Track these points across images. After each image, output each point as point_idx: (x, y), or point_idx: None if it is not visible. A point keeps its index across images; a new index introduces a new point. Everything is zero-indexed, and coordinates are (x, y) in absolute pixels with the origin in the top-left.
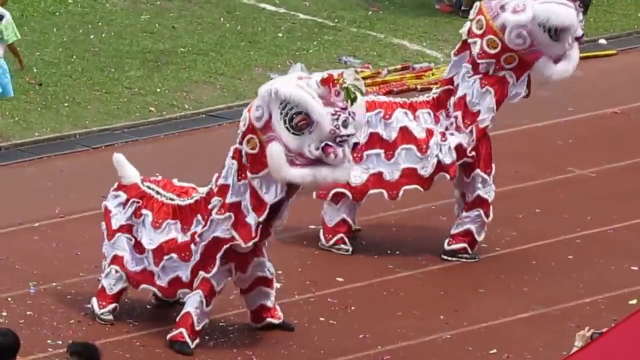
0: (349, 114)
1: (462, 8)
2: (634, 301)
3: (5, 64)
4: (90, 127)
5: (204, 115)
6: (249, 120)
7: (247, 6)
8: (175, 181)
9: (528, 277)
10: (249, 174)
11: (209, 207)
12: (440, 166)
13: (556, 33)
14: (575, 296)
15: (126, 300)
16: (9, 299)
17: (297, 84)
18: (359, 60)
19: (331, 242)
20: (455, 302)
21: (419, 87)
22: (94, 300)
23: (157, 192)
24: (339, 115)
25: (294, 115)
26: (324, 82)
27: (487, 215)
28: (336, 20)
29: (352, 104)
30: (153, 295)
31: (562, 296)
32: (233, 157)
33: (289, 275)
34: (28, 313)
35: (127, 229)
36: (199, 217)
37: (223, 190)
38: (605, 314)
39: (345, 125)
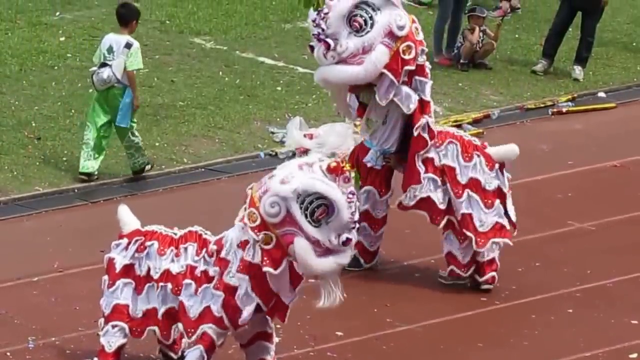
0: (357, 199)
1: (461, 61)
2: (634, 355)
3: (130, 91)
4: (89, 182)
5: (202, 169)
6: (260, 216)
7: (246, 60)
8: (176, 229)
9: (528, 330)
10: (267, 269)
11: (206, 270)
12: None
13: None
14: (575, 350)
15: (125, 355)
16: (8, 353)
17: (312, 177)
18: None
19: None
20: (454, 356)
21: None
22: None
23: (160, 229)
24: (352, 203)
25: (315, 209)
26: (333, 170)
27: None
28: None
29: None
30: (160, 352)
31: (562, 350)
32: (238, 246)
33: (288, 329)
34: None
35: (130, 270)
36: (190, 247)
37: (223, 264)
38: None
39: (357, 210)
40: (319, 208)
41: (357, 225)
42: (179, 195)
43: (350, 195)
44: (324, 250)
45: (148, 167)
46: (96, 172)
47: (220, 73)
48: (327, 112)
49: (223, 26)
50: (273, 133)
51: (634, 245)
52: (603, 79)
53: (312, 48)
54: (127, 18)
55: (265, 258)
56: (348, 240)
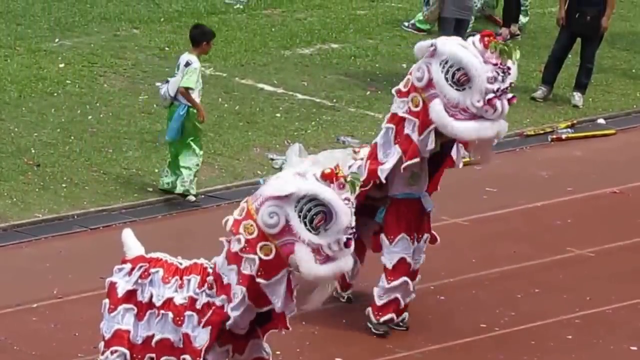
0: (353, 205)
1: None
2: None
3: (182, 110)
4: (88, 208)
5: (202, 196)
6: (257, 228)
7: (245, 86)
8: (180, 258)
9: (527, 357)
10: (260, 280)
11: (212, 302)
12: None
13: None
14: None
15: None
16: None
17: (310, 182)
18: (357, 140)
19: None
20: None
21: None
22: None
23: (164, 257)
24: (349, 208)
25: (314, 216)
26: (327, 177)
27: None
28: (334, 100)
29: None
30: None
31: None
32: (229, 262)
33: (287, 356)
34: None
35: (132, 295)
36: (193, 280)
37: (227, 291)
38: None
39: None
40: (318, 215)
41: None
42: (179, 221)
43: (347, 201)
44: (325, 258)
45: (187, 193)
46: (177, 188)
47: (220, 99)
48: (327, 138)
49: (222, 53)
50: (272, 159)
51: (633, 271)
52: (602, 105)
53: (494, 105)
54: (197, 39)
55: (261, 269)
56: (349, 241)
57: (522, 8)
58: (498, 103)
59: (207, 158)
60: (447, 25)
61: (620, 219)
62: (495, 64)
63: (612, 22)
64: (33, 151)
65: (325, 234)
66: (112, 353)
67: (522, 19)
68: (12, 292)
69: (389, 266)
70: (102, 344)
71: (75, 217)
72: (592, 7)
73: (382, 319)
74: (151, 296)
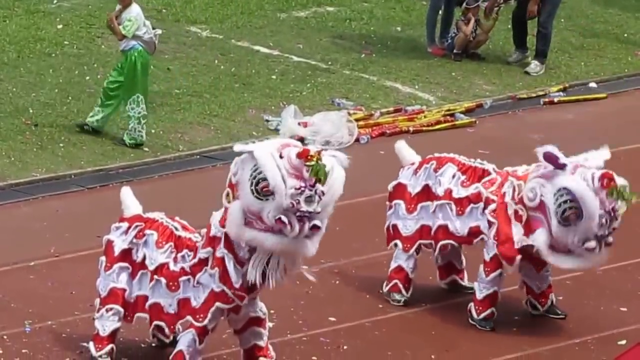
0: (316, 192)
1: (454, 51)
2: (623, 342)
3: None
4: (85, 168)
5: (198, 156)
6: (230, 175)
7: (242, 49)
8: (177, 219)
9: (519, 317)
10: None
11: (200, 256)
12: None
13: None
14: (565, 337)
15: (121, 339)
16: (5, 337)
17: (270, 152)
18: (352, 103)
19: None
20: (446, 342)
21: (411, 129)
22: (91, 344)
23: (162, 218)
24: (303, 191)
25: (260, 180)
26: (299, 155)
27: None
28: (329, 63)
29: (317, 182)
30: (153, 337)
31: (552, 337)
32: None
33: (281, 314)
34: (23, 351)
35: (127, 254)
36: (186, 251)
37: (215, 243)
38: (595, 354)
39: (308, 201)
40: (264, 181)
41: (315, 218)
42: (175, 181)
43: (304, 184)
44: (267, 227)
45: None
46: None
47: (216, 61)
48: (321, 100)
49: (219, 15)
50: (268, 121)
51: (623, 234)
52: (594, 69)
53: (592, 249)
54: None
55: (224, 215)
56: (279, 220)
57: None
58: (597, 248)
59: (203, 119)
60: None
61: None
62: (608, 211)
63: None
64: (31, 111)
65: (269, 203)
66: (107, 311)
67: None
68: (9, 251)
69: (487, 259)
70: (97, 301)
71: (73, 176)
72: None
73: (482, 315)
74: (144, 257)
